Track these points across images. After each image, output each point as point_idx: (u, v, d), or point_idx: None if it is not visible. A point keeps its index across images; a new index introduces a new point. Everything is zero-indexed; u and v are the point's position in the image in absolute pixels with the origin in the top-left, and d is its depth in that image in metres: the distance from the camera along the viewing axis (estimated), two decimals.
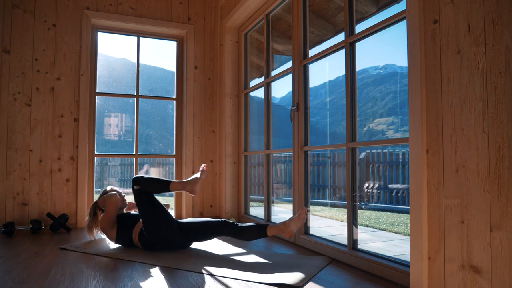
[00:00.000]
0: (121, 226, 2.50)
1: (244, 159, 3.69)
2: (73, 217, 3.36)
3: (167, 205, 2.89)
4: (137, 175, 2.47)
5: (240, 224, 2.37)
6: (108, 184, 2.77)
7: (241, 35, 3.77)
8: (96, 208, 2.60)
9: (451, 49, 1.46)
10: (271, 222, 3.13)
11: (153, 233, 2.38)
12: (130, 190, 2.48)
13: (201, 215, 3.80)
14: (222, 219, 2.42)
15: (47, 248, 2.54)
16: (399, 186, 6.30)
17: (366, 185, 6.76)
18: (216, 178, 3.88)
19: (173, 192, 3.89)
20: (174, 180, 2.47)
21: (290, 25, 2.87)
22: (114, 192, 2.58)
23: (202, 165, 2.57)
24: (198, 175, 2.51)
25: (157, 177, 2.47)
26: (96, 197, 3.53)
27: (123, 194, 2.71)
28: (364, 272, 1.98)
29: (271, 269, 2.00)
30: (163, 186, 2.43)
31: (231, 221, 2.40)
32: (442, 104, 1.49)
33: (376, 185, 6.59)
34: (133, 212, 2.69)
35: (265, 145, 3.29)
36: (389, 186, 6.41)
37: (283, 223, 2.27)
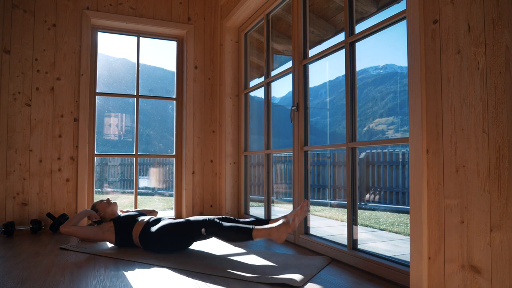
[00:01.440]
0: (119, 228, 2.51)
1: (244, 159, 3.69)
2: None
3: (155, 212, 2.96)
4: (214, 219, 2.24)
5: (237, 219, 2.37)
6: (107, 186, 2.80)
7: (241, 35, 3.77)
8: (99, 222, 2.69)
9: (451, 49, 1.46)
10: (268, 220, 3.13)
11: (167, 240, 2.37)
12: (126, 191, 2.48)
13: (201, 215, 3.80)
14: (206, 218, 2.30)
15: (47, 248, 2.54)
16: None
17: (367, 196, 6.76)
18: (216, 178, 3.88)
19: (173, 192, 3.89)
20: (258, 227, 2.06)
21: (290, 25, 2.87)
22: (62, 225, 2.51)
23: (304, 201, 2.16)
24: (290, 218, 2.06)
25: (238, 224, 2.15)
26: (96, 197, 3.53)
27: (105, 199, 2.78)
28: (364, 272, 1.98)
29: (271, 269, 2.00)
30: (245, 235, 2.07)
31: (232, 217, 2.38)
32: (442, 104, 1.49)
33: (377, 198, 6.59)
34: (128, 213, 2.69)
35: (265, 145, 3.29)
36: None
37: (282, 222, 2.07)
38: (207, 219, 2.29)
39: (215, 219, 2.27)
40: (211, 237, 2.27)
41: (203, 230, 2.23)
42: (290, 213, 2.24)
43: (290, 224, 2.01)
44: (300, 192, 2.64)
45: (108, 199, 2.78)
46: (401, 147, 6.76)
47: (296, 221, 2.11)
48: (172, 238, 2.35)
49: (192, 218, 2.47)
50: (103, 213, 2.70)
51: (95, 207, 2.74)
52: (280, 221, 2.04)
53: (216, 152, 3.91)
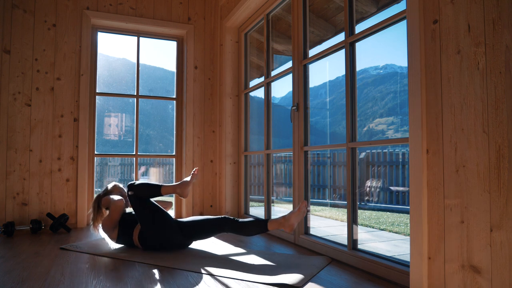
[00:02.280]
0: (122, 226, 2.50)
1: (244, 159, 3.69)
2: (73, 217, 3.36)
3: (170, 203, 2.91)
4: (131, 182, 2.51)
5: (240, 220, 2.38)
6: (110, 182, 2.78)
7: (241, 35, 3.77)
8: (99, 202, 2.61)
9: (451, 49, 1.46)
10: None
11: (151, 234, 2.39)
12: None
13: (201, 215, 3.80)
14: (222, 216, 2.43)
15: (47, 248, 2.54)
16: (399, 188, 6.30)
17: (368, 183, 6.76)
18: (216, 178, 3.88)
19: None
20: (165, 184, 2.55)
21: (290, 25, 2.87)
22: (120, 198, 2.56)
23: (194, 169, 2.60)
24: (188, 178, 2.55)
25: (150, 182, 2.53)
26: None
27: (125, 193, 2.72)
28: (364, 272, 1.98)
29: (271, 269, 2.00)
30: (156, 190, 2.49)
31: (232, 217, 2.42)
32: (442, 104, 1.49)
33: (378, 184, 6.59)
34: (132, 213, 2.69)
35: (265, 145, 3.29)
36: (391, 188, 6.41)
37: (283, 217, 2.28)
38: (221, 217, 2.42)
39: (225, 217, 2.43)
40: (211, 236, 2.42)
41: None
42: (288, 214, 2.27)
43: (296, 211, 2.26)
44: (300, 192, 2.63)
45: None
46: (401, 147, 6.76)
47: (294, 221, 2.24)
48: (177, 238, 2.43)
49: (190, 218, 2.48)
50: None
51: (122, 192, 2.74)
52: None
53: (216, 152, 3.91)
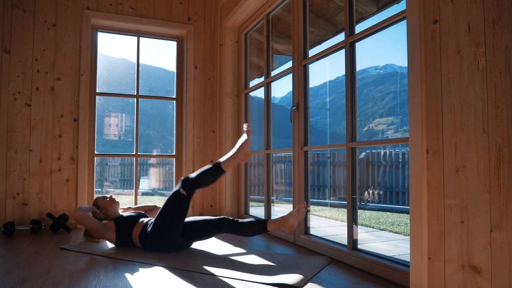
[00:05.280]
0: (120, 228, 2.50)
1: None
2: (73, 217, 3.36)
3: (158, 208, 2.94)
4: (187, 176, 2.38)
5: (240, 220, 2.38)
6: (108, 186, 2.80)
7: (241, 35, 3.77)
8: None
9: (451, 49, 1.46)
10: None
11: (163, 232, 2.35)
12: (129, 190, 2.49)
13: (201, 215, 3.80)
14: (221, 216, 2.42)
15: (47, 248, 2.54)
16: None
17: (367, 192, 6.76)
18: None
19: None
20: (222, 160, 2.37)
21: (290, 25, 2.87)
22: (76, 209, 2.56)
23: (245, 125, 2.45)
24: (243, 138, 2.42)
25: (202, 169, 2.40)
26: (96, 197, 3.53)
27: (108, 196, 2.76)
28: (364, 272, 1.98)
29: (271, 269, 2.00)
30: (216, 170, 2.36)
31: (231, 218, 2.41)
32: (442, 104, 1.49)
33: (377, 192, 6.59)
34: (127, 213, 2.69)
35: (265, 145, 3.29)
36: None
37: (283, 217, 2.28)
38: (220, 218, 2.40)
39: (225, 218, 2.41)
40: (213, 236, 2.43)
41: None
42: (288, 214, 2.28)
43: (295, 212, 2.25)
44: (300, 192, 2.63)
45: (111, 197, 2.76)
46: (401, 147, 6.76)
47: (293, 222, 2.25)
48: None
49: (189, 219, 2.48)
50: (104, 211, 2.69)
51: (97, 203, 2.72)
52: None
53: (216, 152, 3.91)
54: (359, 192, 6.71)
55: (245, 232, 2.35)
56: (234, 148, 2.44)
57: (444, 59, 1.49)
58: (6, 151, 3.18)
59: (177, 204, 2.35)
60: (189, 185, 2.36)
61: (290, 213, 2.28)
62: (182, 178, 2.39)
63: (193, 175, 2.39)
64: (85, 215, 2.50)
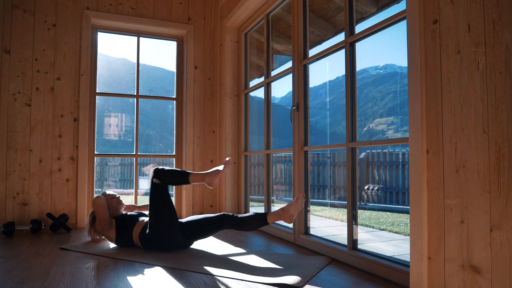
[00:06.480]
0: (120, 227, 2.51)
1: (244, 159, 3.69)
2: (73, 217, 3.36)
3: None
4: (157, 167, 2.45)
5: (239, 215, 2.38)
6: (107, 185, 2.81)
7: (241, 35, 3.77)
8: (94, 214, 2.65)
9: (451, 49, 1.46)
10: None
11: (157, 230, 2.37)
12: (131, 190, 2.49)
13: (201, 215, 3.80)
14: (220, 213, 2.43)
15: (47, 248, 2.54)
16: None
17: (367, 187, 6.76)
18: None
19: (173, 191, 3.89)
20: (193, 172, 2.41)
21: (290, 25, 2.87)
22: (98, 196, 2.62)
23: (227, 158, 2.47)
24: (220, 167, 2.41)
25: (177, 168, 2.44)
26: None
27: (117, 196, 2.74)
28: (364, 272, 1.98)
29: (271, 269, 2.00)
30: (183, 178, 2.39)
31: (230, 213, 2.42)
32: (442, 104, 1.49)
33: (377, 187, 6.59)
34: (130, 213, 2.70)
35: (265, 145, 3.29)
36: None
37: (282, 209, 2.29)
38: (220, 215, 2.42)
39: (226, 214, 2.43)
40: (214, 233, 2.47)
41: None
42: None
43: (294, 202, 2.27)
44: (300, 192, 2.63)
45: (118, 198, 2.73)
46: (401, 147, 6.76)
47: (293, 212, 2.25)
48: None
49: (189, 218, 2.48)
50: (108, 209, 2.69)
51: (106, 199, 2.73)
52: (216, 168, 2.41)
53: (216, 152, 3.91)
54: (359, 192, 6.71)
55: (245, 226, 2.34)
56: (208, 170, 2.47)
57: (444, 59, 1.49)
58: (6, 151, 3.18)
59: (159, 193, 2.40)
60: (159, 174, 2.40)
61: (289, 204, 2.28)
62: (153, 168, 2.45)
63: (165, 167, 2.45)
64: (105, 204, 2.57)
